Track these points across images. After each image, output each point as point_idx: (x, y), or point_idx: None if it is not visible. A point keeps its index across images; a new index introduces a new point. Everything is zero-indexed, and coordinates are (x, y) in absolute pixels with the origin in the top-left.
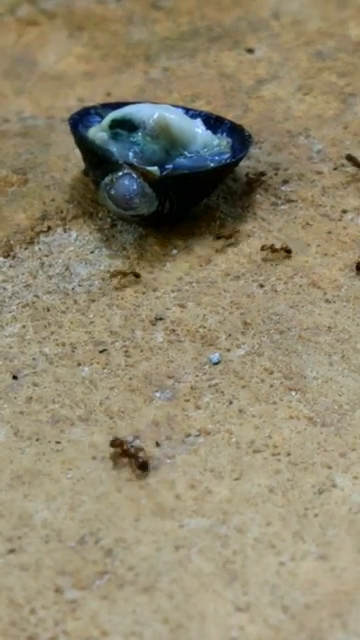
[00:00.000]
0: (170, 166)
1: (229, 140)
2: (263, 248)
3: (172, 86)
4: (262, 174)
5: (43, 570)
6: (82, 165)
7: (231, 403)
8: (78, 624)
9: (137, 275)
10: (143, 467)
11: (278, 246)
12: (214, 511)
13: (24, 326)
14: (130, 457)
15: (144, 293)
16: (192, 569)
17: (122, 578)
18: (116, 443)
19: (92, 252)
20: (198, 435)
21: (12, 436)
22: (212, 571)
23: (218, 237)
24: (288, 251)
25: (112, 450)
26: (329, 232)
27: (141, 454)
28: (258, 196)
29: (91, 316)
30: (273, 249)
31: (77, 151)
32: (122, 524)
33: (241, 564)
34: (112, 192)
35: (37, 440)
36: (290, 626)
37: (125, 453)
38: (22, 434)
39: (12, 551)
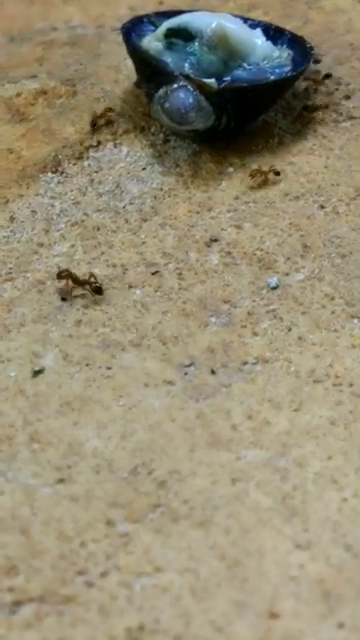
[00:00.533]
0: (228, 78)
1: (290, 52)
2: (252, 174)
3: None
4: (327, 75)
5: (94, 501)
6: (134, 77)
7: (290, 330)
8: (130, 559)
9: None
10: (98, 291)
11: (266, 169)
12: (273, 443)
13: (73, 245)
14: (83, 284)
15: (198, 213)
16: (250, 503)
17: (176, 512)
18: (63, 274)
19: (144, 169)
20: (255, 363)
21: (61, 360)
22: (271, 506)
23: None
24: (277, 173)
25: (60, 284)
26: None
27: (92, 279)
28: (319, 112)
29: (143, 236)
30: (262, 172)
31: (129, 62)
32: (176, 455)
33: (301, 499)
34: (166, 105)
35: (87, 365)
36: (353, 565)
37: (76, 282)
38: (71, 358)
39: (61, 481)
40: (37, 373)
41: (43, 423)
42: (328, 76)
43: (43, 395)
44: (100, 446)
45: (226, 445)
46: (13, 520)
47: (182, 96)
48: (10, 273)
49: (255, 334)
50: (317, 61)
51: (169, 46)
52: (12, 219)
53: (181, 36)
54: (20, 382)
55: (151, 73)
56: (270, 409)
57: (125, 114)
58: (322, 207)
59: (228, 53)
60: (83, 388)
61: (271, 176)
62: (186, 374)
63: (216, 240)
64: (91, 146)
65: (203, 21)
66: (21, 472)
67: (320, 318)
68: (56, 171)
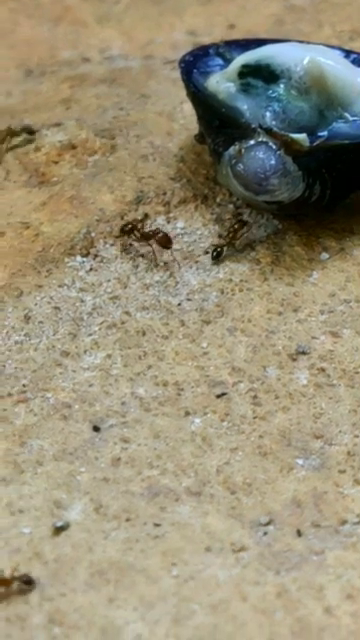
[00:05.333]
0: (324, 133)
1: None
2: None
3: (322, 17)
4: None
5: None
6: (195, 128)
7: None
8: None
9: None
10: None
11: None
12: None
13: (109, 356)
14: (147, 238)
15: (280, 314)
16: None
17: None
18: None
19: (207, 252)
20: (358, 522)
21: (92, 513)
22: None
23: None
24: None
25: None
26: None
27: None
28: None
29: (204, 345)
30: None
31: (188, 107)
32: None
33: None
34: (240, 168)
35: (127, 520)
36: None
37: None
38: (106, 511)
39: None
40: (60, 530)
41: (67, 599)
42: None
43: (67, 560)
44: (145, 633)
45: (318, 635)
46: None
47: (261, 156)
48: (24, 392)
49: (358, 483)
50: None
51: (245, 88)
52: (27, 318)
53: (261, 75)
54: (37, 542)
55: (219, 124)
56: None
57: (182, 178)
58: None
59: (325, 99)
60: (122, 552)
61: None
62: (264, 535)
63: (305, 352)
64: (135, 220)
65: (291, 55)
66: None
67: None
68: (88, 254)
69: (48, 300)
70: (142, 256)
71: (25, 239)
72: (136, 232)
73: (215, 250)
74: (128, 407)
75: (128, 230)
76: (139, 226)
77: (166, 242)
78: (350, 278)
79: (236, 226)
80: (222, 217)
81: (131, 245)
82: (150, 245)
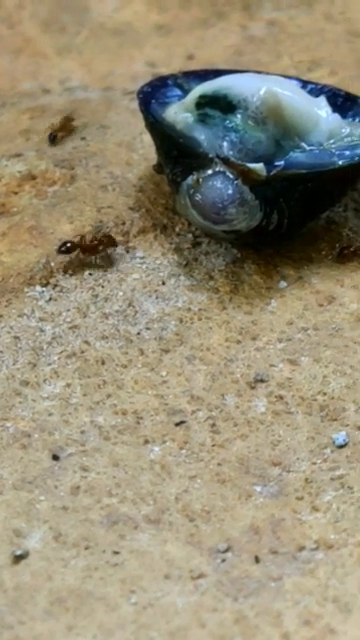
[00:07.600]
0: (281, 163)
1: None
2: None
3: (281, 47)
4: None
5: None
6: (154, 158)
7: None
8: None
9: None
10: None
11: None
12: None
13: (69, 385)
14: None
15: (239, 342)
16: None
17: None
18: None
19: (164, 283)
20: (316, 548)
21: (51, 542)
22: None
23: (341, 254)
24: None
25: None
26: None
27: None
28: None
29: (164, 373)
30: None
31: (147, 138)
32: None
33: None
34: (197, 198)
35: (86, 549)
36: None
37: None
38: (65, 539)
39: None
40: (19, 558)
41: (26, 627)
42: None
43: (27, 589)
44: None
45: None
46: None
47: (219, 186)
48: None
49: (315, 509)
50: None
51: (202, 119)
52: None
53: (218, 106)
54: None
55: (177, 154)
56: (335, 612)
57: (141, 208)
58: None
59: (281, 129)
60: (81, 580)
61: None
62: (222, 562)
63: (263, 380)
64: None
65: (248, 86)
66: None
67: None
68: (47, 284)
69: (8, 330)
70: (102, 286)
71: None
72: (81, 250)
73: (64, 245)
74: (87, 436)
75: (70, 248)
76: (81, 242)
77: (113, 242)
78: (308, 306)
79: (103, 240)
80: (181, 247)
81: (90, 274)
82: (101, 252)
